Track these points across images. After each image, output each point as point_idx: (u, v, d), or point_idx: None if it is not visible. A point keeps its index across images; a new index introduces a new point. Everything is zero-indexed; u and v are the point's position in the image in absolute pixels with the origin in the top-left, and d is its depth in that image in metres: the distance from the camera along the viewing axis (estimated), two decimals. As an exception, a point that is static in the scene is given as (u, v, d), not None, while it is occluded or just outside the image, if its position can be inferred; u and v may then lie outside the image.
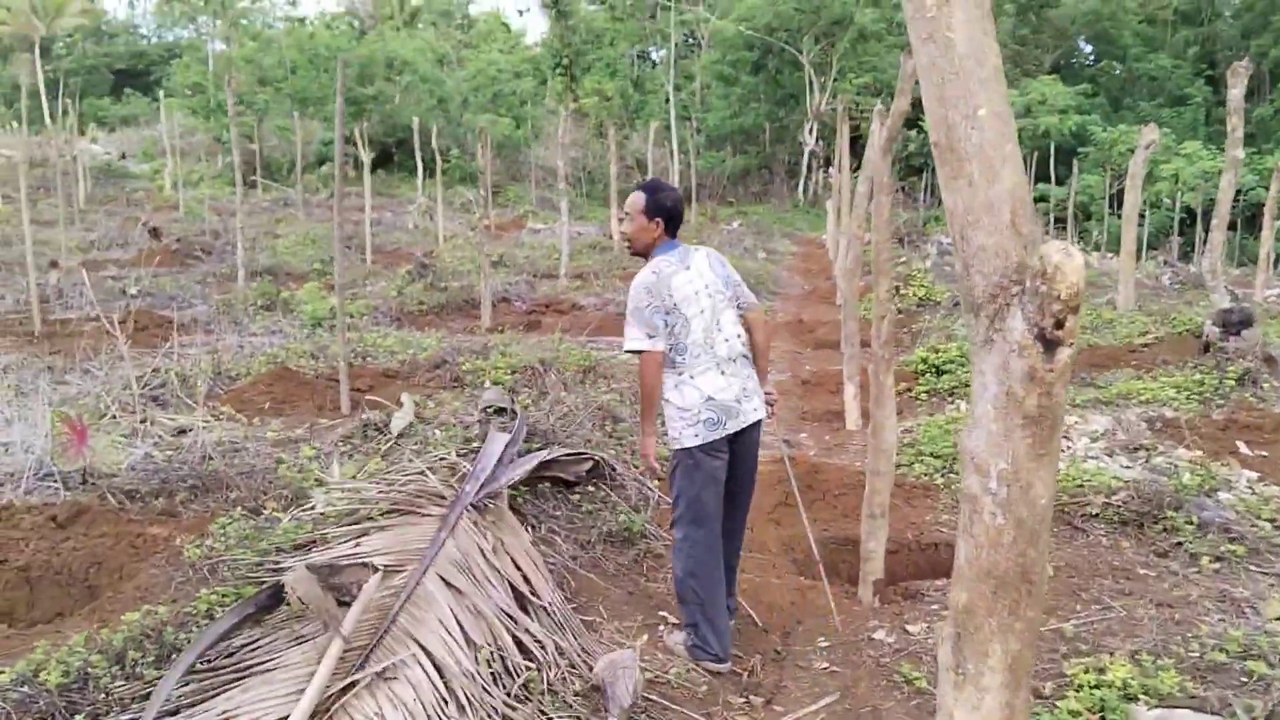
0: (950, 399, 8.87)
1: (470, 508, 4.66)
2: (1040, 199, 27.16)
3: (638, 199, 4.18)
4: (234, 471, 5.50)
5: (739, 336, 4.22)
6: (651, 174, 20.42)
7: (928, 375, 9.42)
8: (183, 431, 6.62)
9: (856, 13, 31.17)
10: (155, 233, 15.81)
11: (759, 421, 4.25)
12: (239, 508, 4.93)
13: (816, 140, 32.91)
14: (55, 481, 5.50)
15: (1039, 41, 39.08)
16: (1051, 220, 25.80)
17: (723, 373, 4.09)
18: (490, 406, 6.57)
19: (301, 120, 32.74)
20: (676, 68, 34.38)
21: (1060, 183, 26.42)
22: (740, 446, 4.21)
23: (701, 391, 4.05)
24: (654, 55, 38.09)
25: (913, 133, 31.40)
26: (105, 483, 5.41)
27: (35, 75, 51.72)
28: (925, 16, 1.85)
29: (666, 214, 4.15)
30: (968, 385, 8.87)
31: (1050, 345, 1.77)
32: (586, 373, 7.93)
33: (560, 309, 11.49)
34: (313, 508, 4.78)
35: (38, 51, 52.74)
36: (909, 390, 9.30)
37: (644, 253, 4.20)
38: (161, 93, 31.46)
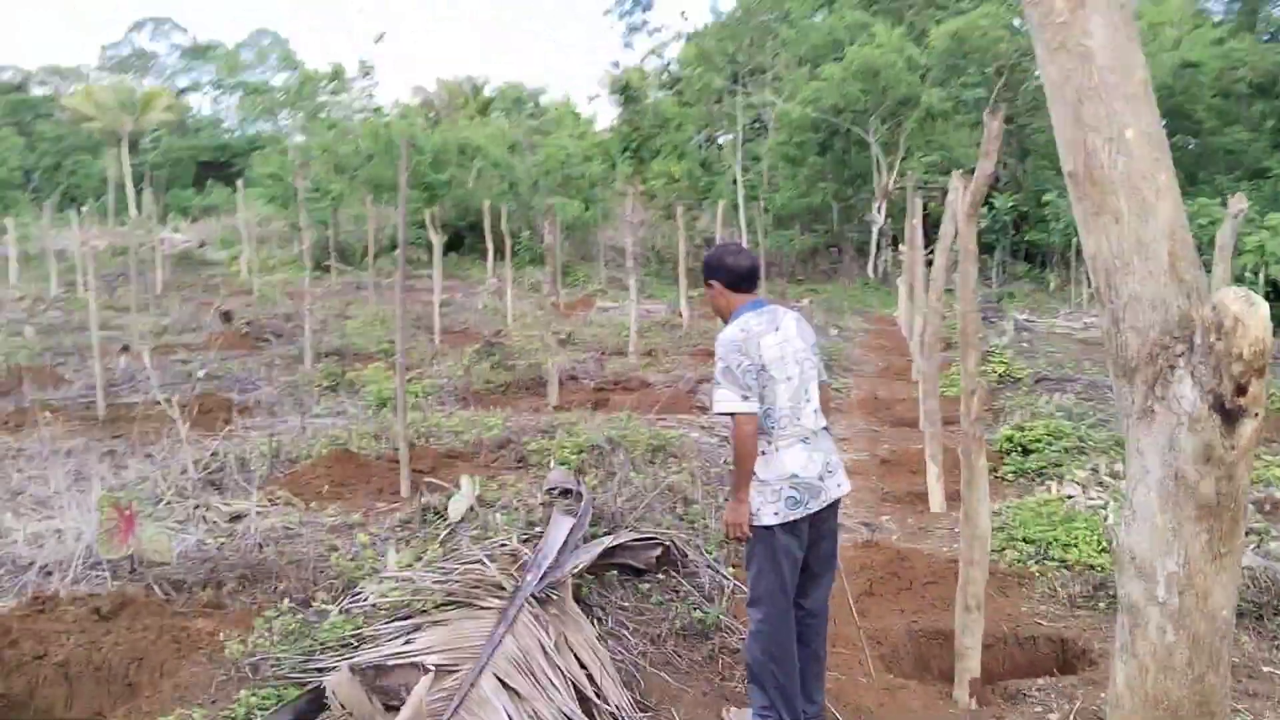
0: (1039, 479, 8.36)
1: (531, 599, 4.33)
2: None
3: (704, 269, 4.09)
4: (284, 560, 5.25)
5: (820, 408, 4.05)
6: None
7: (1014, 454, 8.92)
8: (237, 517, 6.40)
9: (923, 92, 30.98)
10: (226, 317, 15.96)
11: (843, 498, 4.08)
12: (287, 599, 4.65)
13: (885, 218, 32.61)
14: (104, 570, 5.29)
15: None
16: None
17: (808, 447, 3.90)
18: (555, 488, 6.27)
19: (376, 206, 33.40)
20: (743, 149, 34.45)
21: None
22: (821, 523, 3.99)
23: (786, 467, 3.84)
24: (720, 139, 38.32)
25: (984, 209, 30.96)
26: (153, 572, 5.18)
27: (122, 168, 53.80)
28: (1055, 22, 1.53)
29: (725, 272, 3.99)
30: (1058, 465, 8.38)
31: (1230, 416, 1.41)
32: (656, 452, 7.60)
33: (629, 386, 11.22)
34: (364, 599, 4.49)
35: (125, 146, 54.91)
36: (995, 471, 8.80)
37: (726, 318, 4.02)
38: (240, 182, 32.20)
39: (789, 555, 3.89)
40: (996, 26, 32.75)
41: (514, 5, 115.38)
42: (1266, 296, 24.18)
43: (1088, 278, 17.75)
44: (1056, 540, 6.61)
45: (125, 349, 14.60)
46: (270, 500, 6.81)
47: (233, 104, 64.27)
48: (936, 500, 7.92)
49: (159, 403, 9.79)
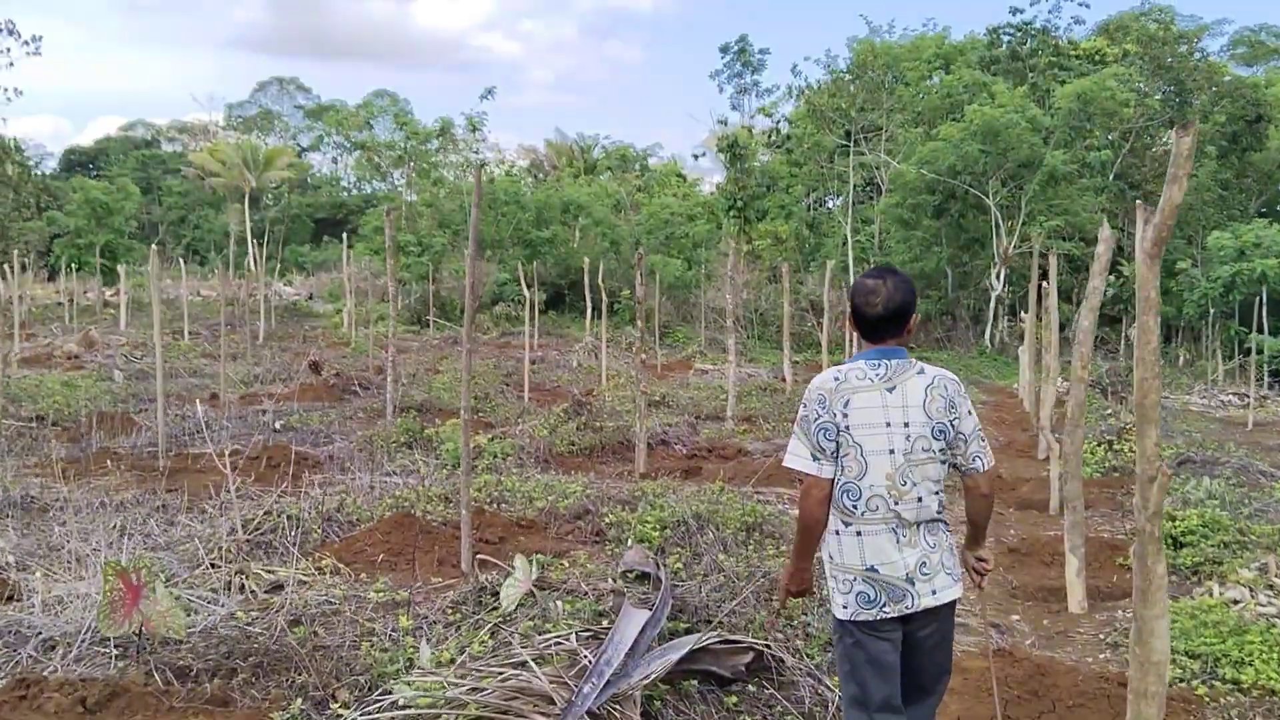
0: (1195, 578, 7.20)
1: (588, 717, 3.47)
2: (1254, 350, 24.69)
3: None
4: (310, 646, 4.48)
5: (937, 499, 3.29)
6: (827, 317, 19.24)
7: (1164, 548, 7.76)
8: (278, 587, 5.70)
9: (1046, 155, 29.71)
10: (315, 367, 15.62)
11: (947, 605, 3.32)
12: (301, 698, 3.89)
13: (1004, 285, 31.21)
14: (110, 648, 4.61)
15: (1243, 186, 36.64)
16: (1266, 374, 23.16)
17: (898, 540, 3.21)
18: (631, 570, 5.42)
19: (480, 262, 33.37)
20: (854, 211, 33.52)
21: (1274, 333, 24.00)
22: (918, 630, 3.31)
23: (864, 556, 3.21)
24: (830, 203, 37.44)
25: (1111, 277, 29.40)
26: (161, 654, 4.47)
27: (244, 223, 55.41)
28: None
29: (853, 310, 3.32)
30: (1217, 563, 7.19)
31: None
32: (750, 531, 6.71)
33: (724, 454, 10.33)
34: (386, 705, 3.69)
35: (247, 202, 56.67)
36: (1142, 566, 7.68)
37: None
38: (345, 235, 32.48)
39: (870, 658, 3.24)
40: (1124, 89, 31.39)
41: (630, 69, 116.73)
42: None
43: (1223, 353, 16.14)
44: (1227, 656, 5.50)
45: (214, 397, 14.30)
46: (318, 568, 6.11)
47: (351, 163, 65.96)
48: (1076, 598, 6.83)
49: (227, 454, 9.27)
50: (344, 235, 37.08)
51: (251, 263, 45.96)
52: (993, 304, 31.40)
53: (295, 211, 63.29)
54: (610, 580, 5.25)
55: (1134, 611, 3.84)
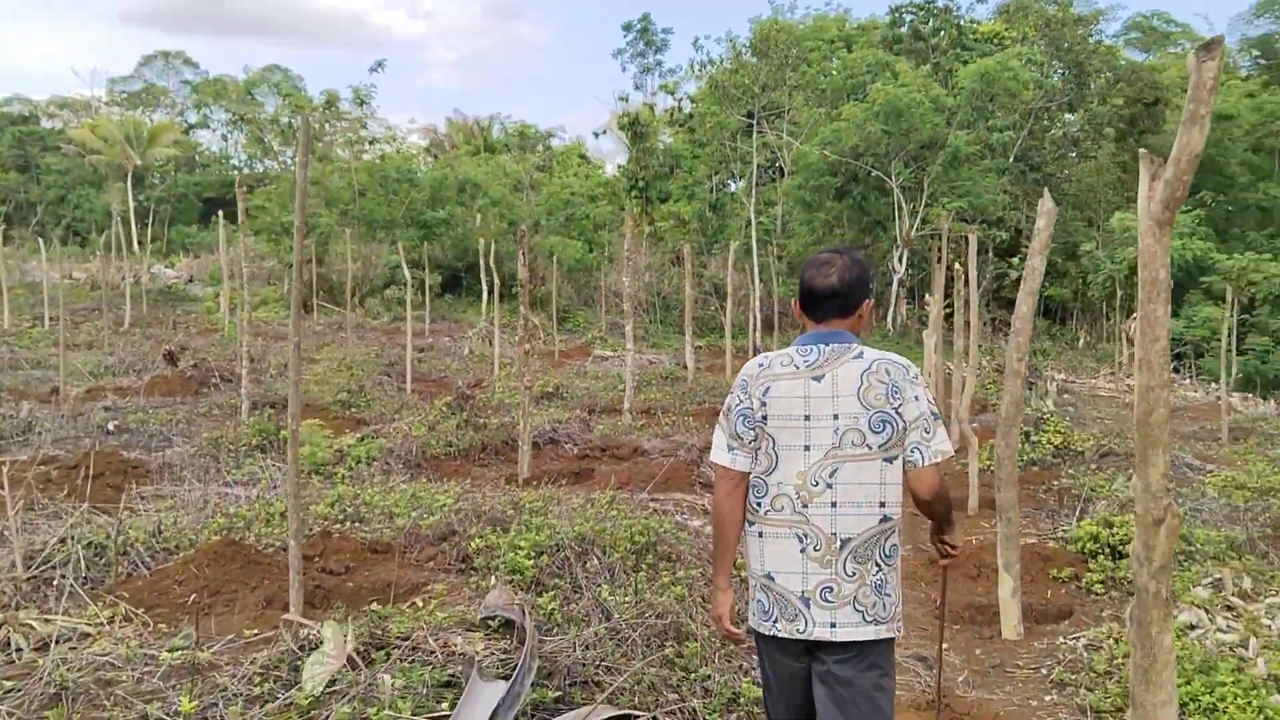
0: (1137, 593, 6.46)
1: None
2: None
3: None
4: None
5: (876, 511, 2.84)
6: (730, 301, 18.41)
7: (1101, 558, 7.03)
8: (50, 642, 4.54)
9: (950, 135, 29.34)
10: (171, 357, 14.18)
11: (860, 646, 2.85)
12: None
13: (905, 268, 30.83)
14: None
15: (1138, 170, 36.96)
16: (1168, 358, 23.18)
17: (803, 550, 2.85)
18: (494, 616, 4.41)
19: (368, 244, 31.75)
20: (757, 192, 32.78)
21: (1177, 315, 24.02)
22: (827, 668, 2.88)
23: (762, 560, 2.94)
24: (733, 185, 36.62)
25: (1014, 259, 29.28)
26: None
27: (126, 203, 52.57)
28: None
29: (805, 286, 3.01)
30: None
31: None
32: (643, 554, 5.73)
33: (619, 454, 9.34)
34: None
35: (130, 180, 53.87)
36: (1076, 580, 6.92)
37: None
38: (219, 214, 30.61)
39: (768, 675, 3.05)
40: (1025, 70, 31.21)
41: (536, 50, 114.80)
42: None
43: (1127, 336, 15.59)
44: (1195, 701, 4.72)
45: (55, 392, 12.83)
46: (112, 615, 4.95)
47: (242, 140, 63.20)
48: (1011, 623, 6.03)
49: (46, 462, 7.98)
50: (219, 215, 35.20)
51: (128, 244, 43.48)
52: (894, 287, 31.02)
53: (182, 190, 60.44)
54: (465, 632, 4.21)
55: (1131, 694, 2.98)
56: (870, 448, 2.83)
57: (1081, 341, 30.13)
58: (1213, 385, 20.69)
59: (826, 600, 2.83)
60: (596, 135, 44.26)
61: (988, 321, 27.55)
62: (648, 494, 7.58)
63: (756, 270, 27.01)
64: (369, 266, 31.21)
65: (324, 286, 30.30)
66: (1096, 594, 6.66)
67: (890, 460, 2.85)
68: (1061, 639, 5.88)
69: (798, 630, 2.86)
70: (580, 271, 31.13)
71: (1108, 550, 7.08)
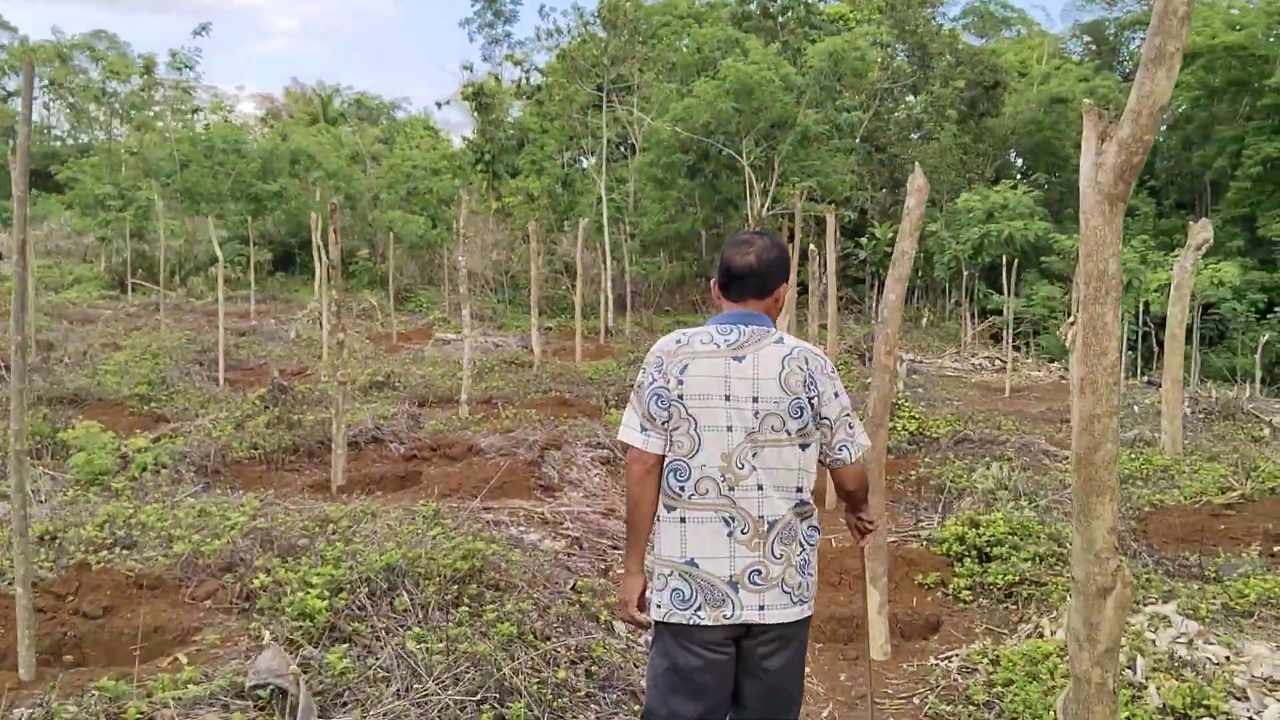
0: (1010, 604, 5.97)
1: None
2: (995, 311, 25.11)
3: None
4: None
5: (793, 496, 2.85)
6: (580, 280, 17.63)
7: (968, 560, 6.55)
8: None
9: (799, 114, 29.21)
10: (-59, 345, 12.55)
11: (786, 628, 2.85)
12: None
13: (756, 248, 30.63)
14: None
15: (979, 150, 37.82)
16: (1009, 335, 23.55)
17: (730, 533, 2.79)
18: (264, 686, 3.53)
19: (193, 219, 29.69)
20: (609, 169, 32.05)
21: (1016, 294, 24.49)
22: (756, 646, 2.85)
23: (684, 546, 2.81)
24: (585, 161, 35.75)
25: (863, 239, 29.39)
26: None
27: None
28: None
29: (724, 264, 2.96)
30: (1038, 583, 5.93)
31: None
32: (465, 584, 4.91)
33: (451, 453, 8.43)
34: None
35: None
36: (943, 586, 6.42)
37: None
38: (35, 190, 28.14)
39: (674, 669, 2.85)
40: (873, 50, 31.35)
41: (380, 20, 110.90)
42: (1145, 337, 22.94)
43: (972, 315, 15.54)
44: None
45: None
46: None
47: (64, 110, 58.96)
48: (878, 642, 5.45)
49: None
50: (61, 189, 32.43)
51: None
52: (747, 267, 30.81)
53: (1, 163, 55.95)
54: (224, 709, 3.33)
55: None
56: (789, 433, 2.81)
57: (925, 320, 30.51)
58: (1053, 365, 21.03)
59: (754, 583, 2.80)
60: (440, 106, 42.65)
61: (837, 299, 27.60)
62: (479, 502, 6.74)
63: (609, 248, 26.33)
64: (192, 243, 29.22)
65: (143, 264, 28.19)
66: (964, 601, 6.16)
67: (804, 447, 2.85)
68: (933, 659, 5.33)
69: (724, 616, 2.79)
70: (423, 248, 29.83)
71: (974, 553, 6.61)
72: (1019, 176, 38.84)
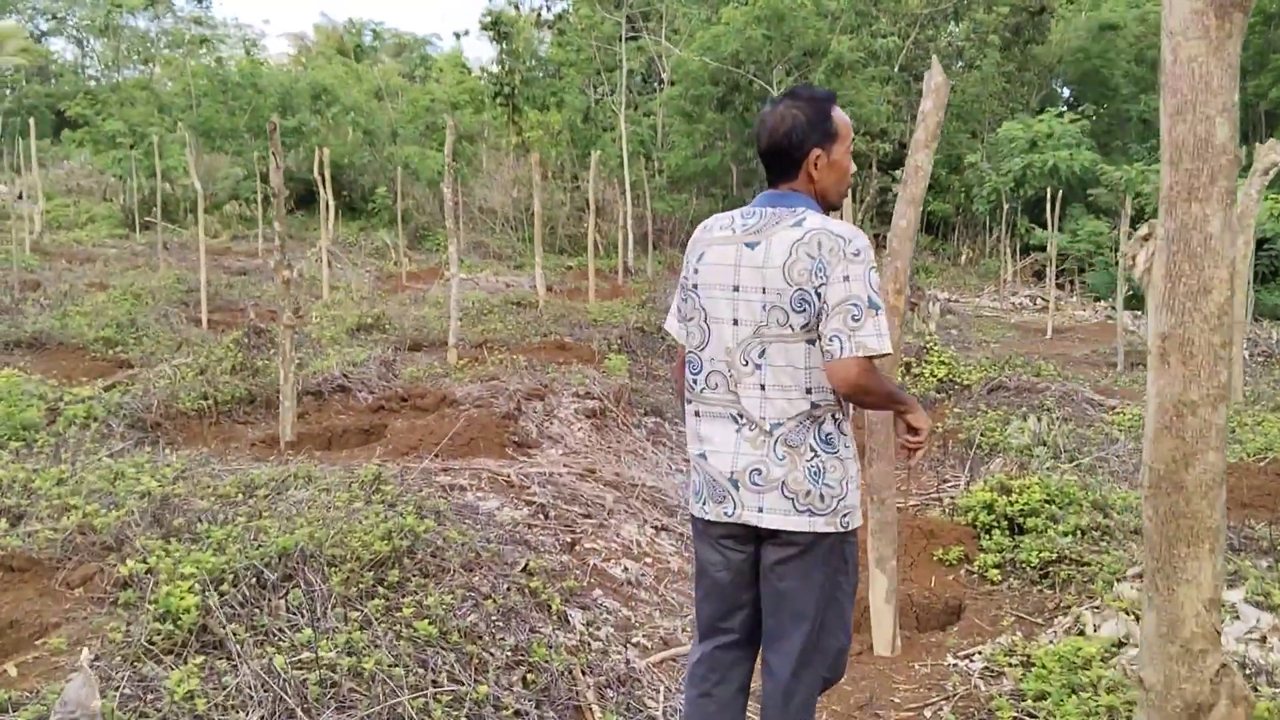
0: (1046, 586, 5.08)
1: None
2: (1038, 247, 23.84)
3: None
4: None
5: (802, 397, 2.59)
6: (595, 213, 16.72)
7: (996, 533, 5.66)
8: None
9: (833, 40, 27.85)
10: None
11: (795, 538, 2.61)
12: None
13: (788, 182, 29.41)
14: None
15: (1024, 79, 36.18)
16: (1052, 272, 22.35)
17: (739, 429, 2.65)
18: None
19: (209, 155, 28.93)
20: (637, 103, 30.91)
21: (1059, 230, 23.25)
22: (769, 553, 2.67)
23: (698, 437, 2.74)
24: (610, 95, 34.50)
25: (898, 172, 28.02)
26: None
27: None
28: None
29: (759, 145, 2.69)
30: (1076, 561, 4.82)
31: None
32: (385, 569, 4.10)
33: (423, 404, 7.60)
34: None
35: None
36: (966, 562, 5.55)
37: None
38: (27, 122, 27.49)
39: (698, 563, 2.83)
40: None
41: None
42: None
43: (1013, 252, 14.51)
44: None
45: None
46: None
47: (98, 49, 58.42)
48: (885, 635, 4.61)
49: None
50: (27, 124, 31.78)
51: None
52: (779, 202, 29.67)
53: (33, 103, 55.57)
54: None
55: None
56: (794, 329, 2.55)
57: (964, 258, 29.29)
58: (1099, 304, 19.88)
59: (754, 483, 2.63)
60: (458, 36, 41.22)
61: (871, 239, 26.49)
62: (437, 462, 5.94)
63: (628, 184, 25.32)
64: (210, 180, 28.47)
65: (160, 202, 27.51)
66: (992, 582, 5.29)
67: (813, 343, 2.56)
68: (951, 658, 4.47)
69: (725, 513, 2.69)
70: (440, 184, 28.95)
71: (1004, 523, 5.72)
72: (1065, 107, 37.23)
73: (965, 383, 10.00)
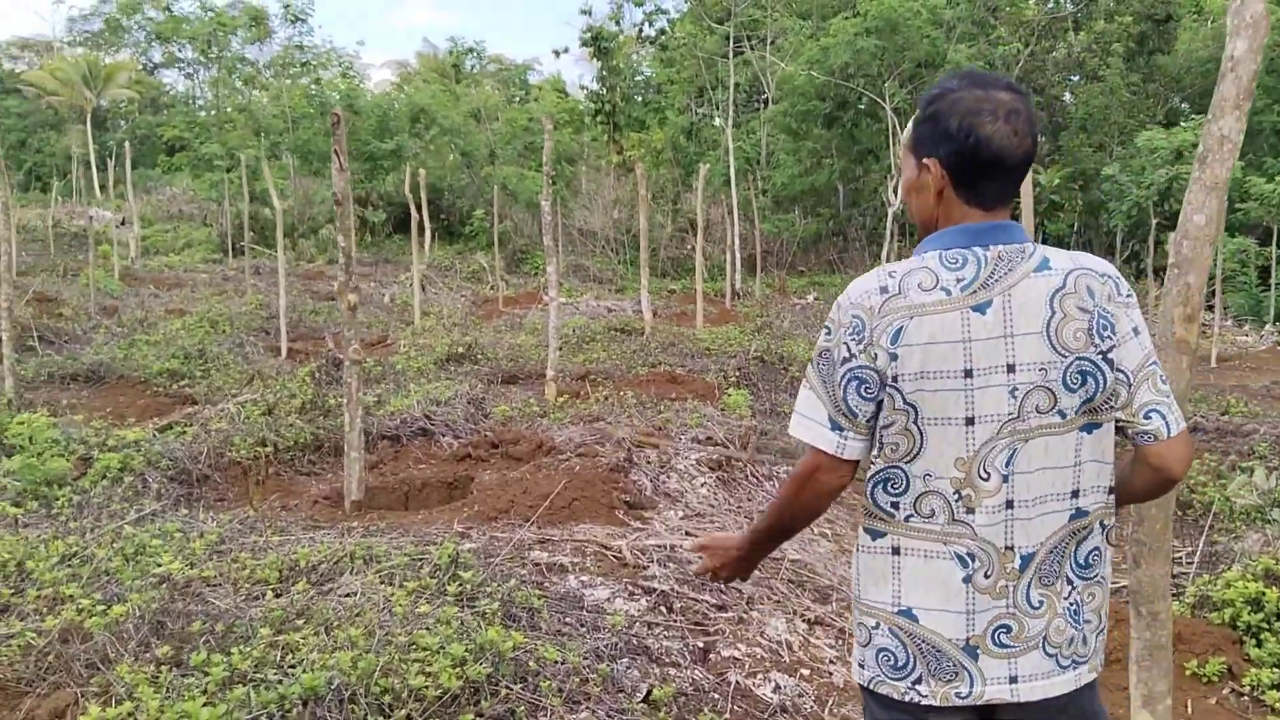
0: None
1: None
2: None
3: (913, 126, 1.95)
4: None
5: (1065, 508, 1.85)
6: (701, 234, 15.53)
7: (1269, 639, 4.24)
8: None
9: (949, 50, 26.36)
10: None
11: (1055, 703, 1.89)
12: None
13: (900, 201, 27.89)
14: None
15: (1149, 90, 34.07)
16: (1218, 290, 20.44)
17: (969, 575, 1.84)
18: None
19: (306, 178, 28.63)
20: (741, 120, 29.72)
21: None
22: None
23: (898, 590, 1.90)
24: (717, 121, 33.33)
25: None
26: None
27: (86, 145, 49.44)
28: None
29: (965, 155, 1.81)
30: None
31: None
32: (474, 701, 2.92)
33: (516, 451, 6.42)
34: None
35: (89, 122, 50.86)
36: (1232, 679, 4.14)
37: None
38: (121, 145, 27.49)
39: None
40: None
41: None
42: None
43: (1146, 271, 12.79)
44: None
45: None
46: None
47: (206, 79, 59.81)
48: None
49: None
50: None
51: (97, 188, 40.59)
52: (889, 221, 28.13)
53: (145, 132, 57.03)
54: None
55: None
56: (1064, 414, 1.80)
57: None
58: (1267, 328, 17.97)
59: (1002, 645, 1.84)
60: (557, 54, 40.44)
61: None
62: (532, 528, 4.76)
63: (736, 203, 24.13)
64: (307, 204, 28.11)
65: (257, 226, 27.23)
66: (1275, 710, 3.89)
67: (1091, 429, 1.83)
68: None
69: (957, 694, 1.86)
70: (536, 207, 28.19)
71: (1246, 633, 4.30)
72: (1193, 117, 34.98)
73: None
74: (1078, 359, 1.80)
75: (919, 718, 1.92)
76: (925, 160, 1.86)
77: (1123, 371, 1.83)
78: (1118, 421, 1.87)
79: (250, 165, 25.94)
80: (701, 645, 4.05)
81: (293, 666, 3.00)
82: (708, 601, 4.41)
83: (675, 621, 4.18)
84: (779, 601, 4.64)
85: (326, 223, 28.82)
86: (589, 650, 3.56)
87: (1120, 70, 31.25)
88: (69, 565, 4.08)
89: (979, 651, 1.87)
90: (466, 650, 3.14)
